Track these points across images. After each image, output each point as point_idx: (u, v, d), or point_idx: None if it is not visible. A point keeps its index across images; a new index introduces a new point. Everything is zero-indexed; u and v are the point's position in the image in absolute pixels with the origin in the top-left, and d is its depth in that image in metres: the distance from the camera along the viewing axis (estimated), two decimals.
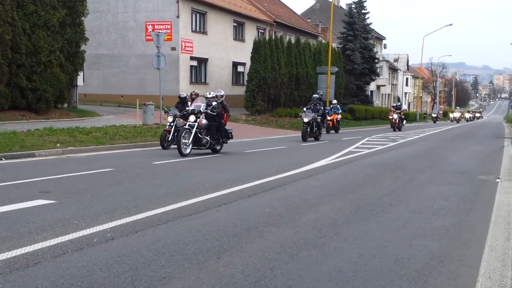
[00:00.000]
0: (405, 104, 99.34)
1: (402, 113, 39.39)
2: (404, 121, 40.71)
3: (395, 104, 40.14)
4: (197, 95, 18.80)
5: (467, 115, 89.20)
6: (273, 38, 40.32)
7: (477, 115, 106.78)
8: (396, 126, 36.37)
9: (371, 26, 61.17)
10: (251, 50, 38.07)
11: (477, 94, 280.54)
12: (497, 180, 11.96)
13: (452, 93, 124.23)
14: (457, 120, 73.68)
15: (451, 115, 75.89)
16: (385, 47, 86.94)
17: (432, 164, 14.99)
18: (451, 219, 7.73)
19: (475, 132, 39.20)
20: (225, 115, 16.81)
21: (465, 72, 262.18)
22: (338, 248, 5.99)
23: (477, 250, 6.13)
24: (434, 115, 69.50)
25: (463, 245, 6.36)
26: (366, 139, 25.22)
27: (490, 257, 5.76)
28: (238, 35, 44.77)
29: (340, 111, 34.66)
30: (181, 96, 19.15)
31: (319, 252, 5.82)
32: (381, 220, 7.50)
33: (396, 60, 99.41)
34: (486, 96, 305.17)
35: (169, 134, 17.10)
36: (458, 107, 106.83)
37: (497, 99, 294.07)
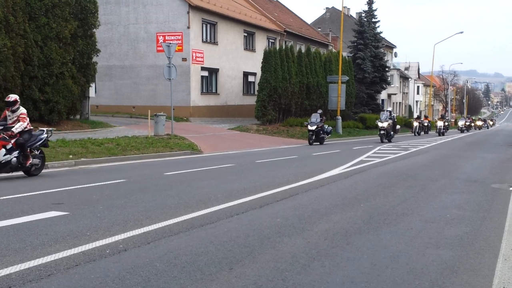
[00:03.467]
0: (416, 112, 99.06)
1: None
2: None
3: None
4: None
5: (461, 123, 63.29)
6: (284, 47, 40.35)
7: (479, 123, 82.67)
8: None
9: (381, 34, 61.10)
10: (261, 60, 38.13)
11: (489, 102, 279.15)
12: (511, 188, 11.87)
13: (464, 101, 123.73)
14: (416, 131, 45.82)
15: (415, 123, 46.86)
16: (395, 56, 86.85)
17: (445, 173, 14.91)
18: (464, 228, 7.69)
19: (487, 140, 38.97)
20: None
21: (477, 80, 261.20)
22: (351, 259, 5.96)
23: (491, 259, 6.09)
24: (380, 125, 32.86)
25: (476, 254, 6.31)
26: (378, 148, 25.14)
27: (504, 267, 5.72)
28: (249, 45, 44.89)
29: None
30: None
31: (332, 262, 5.81)
32: (393, 230, 7.47)
33: (407, 69, 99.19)
34: (498, 103, 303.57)
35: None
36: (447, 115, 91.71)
37: (509, 107, 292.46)
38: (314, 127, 28.34)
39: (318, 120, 28.83)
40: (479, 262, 5.99)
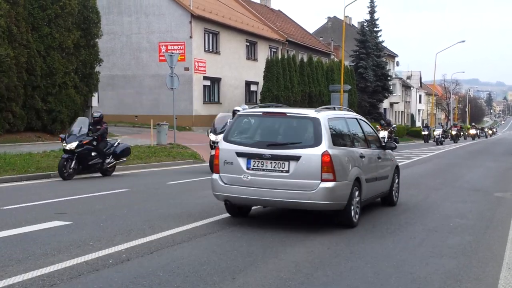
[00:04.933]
0: (419, 121, 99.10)
1: None
2: None
3: None
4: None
5: (437, 132, 44.06)
6: (286, 57, 40.47)
7: (472, 131, 66.33)
8: None
9: (383, 43, 61.26)
10: (263, 69, 38.21)
11: (491, 111, 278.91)
12: None
13: (466, 109, 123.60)
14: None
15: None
16: (397, 65, 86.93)
17: (447, 182, 14.89)
18: (467, 237, 7.67)
19: (489, 148, 38.91)
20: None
21: (479, 89, 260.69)
22: (354, 268, 5.95)
23: (495, 268, 6.07)
24: (213, 139, 18.23)
25: (480, 263, 6.30)
26: None
27: (508, 276, 5.70)
28: (251, 55, 44.98)
29: None
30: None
31: (335, 271, 5.79)
32: (396, 239, 7.46)
33: (409, 78, 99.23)
34: (500, 112, 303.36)
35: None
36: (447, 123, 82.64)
37: (511, 115, 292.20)
38: (73, 145, 13.95)
39: (85, 131, 14.55)
40: (482, 271, 5.97)
